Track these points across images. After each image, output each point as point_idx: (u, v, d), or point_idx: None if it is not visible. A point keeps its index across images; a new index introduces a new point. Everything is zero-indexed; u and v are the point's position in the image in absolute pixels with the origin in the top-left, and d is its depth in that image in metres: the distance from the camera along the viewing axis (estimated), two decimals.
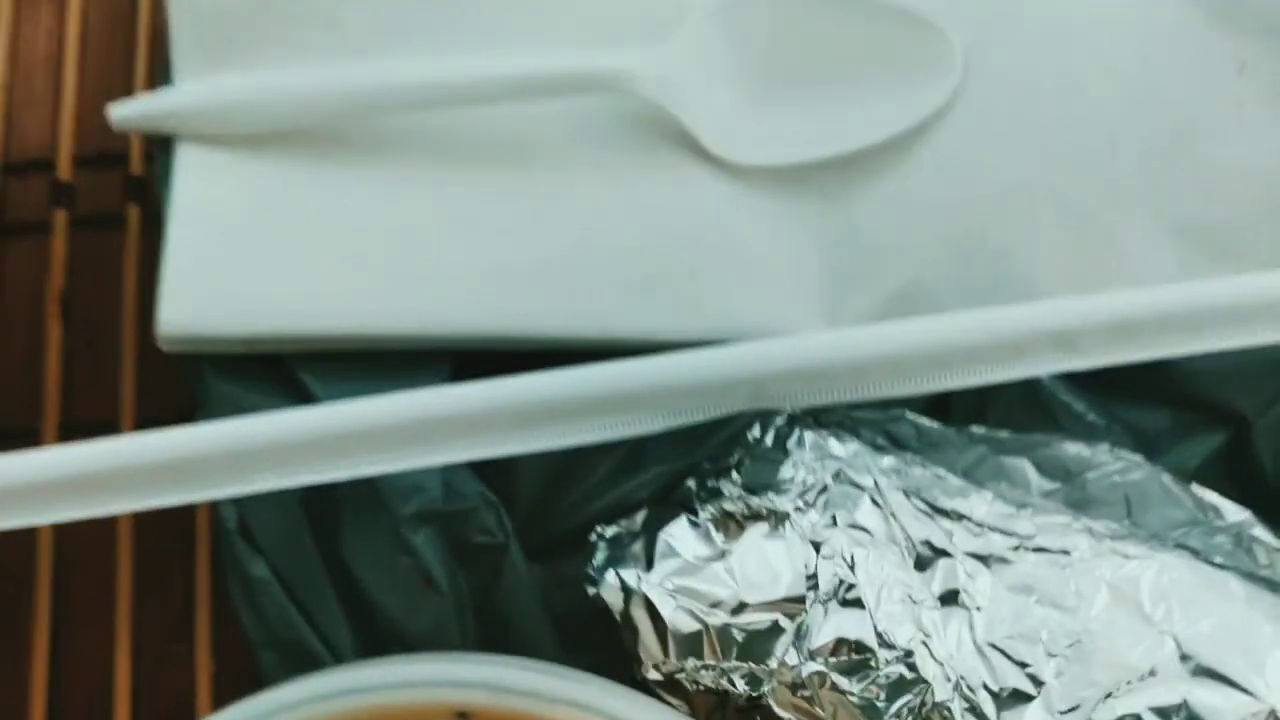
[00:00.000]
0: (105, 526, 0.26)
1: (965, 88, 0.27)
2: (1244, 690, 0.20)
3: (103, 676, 0.25)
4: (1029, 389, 0.24)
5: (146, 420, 0.27)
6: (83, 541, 0.26)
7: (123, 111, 0.26)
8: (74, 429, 0.27)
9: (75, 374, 0.27)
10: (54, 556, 0.26)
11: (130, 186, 0.29)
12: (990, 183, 0.26)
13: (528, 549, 0.24)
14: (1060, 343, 0.24)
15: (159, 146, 0.26)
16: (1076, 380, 0.25)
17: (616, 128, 0.26)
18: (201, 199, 0.25)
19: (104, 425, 0.27)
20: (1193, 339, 0.24)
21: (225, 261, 0.24)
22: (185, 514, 0.26)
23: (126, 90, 0.29)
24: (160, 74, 0.27)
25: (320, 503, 0.23)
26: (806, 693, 0.21)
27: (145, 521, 0.26)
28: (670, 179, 0.26)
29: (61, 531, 0.26)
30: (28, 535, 0.26)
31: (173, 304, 0.24)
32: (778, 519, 0.22)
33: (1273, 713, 0.20)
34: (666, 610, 0.21)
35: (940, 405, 0.25)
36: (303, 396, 0.24)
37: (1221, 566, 0.22)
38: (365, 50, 0.26)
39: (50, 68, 0.30)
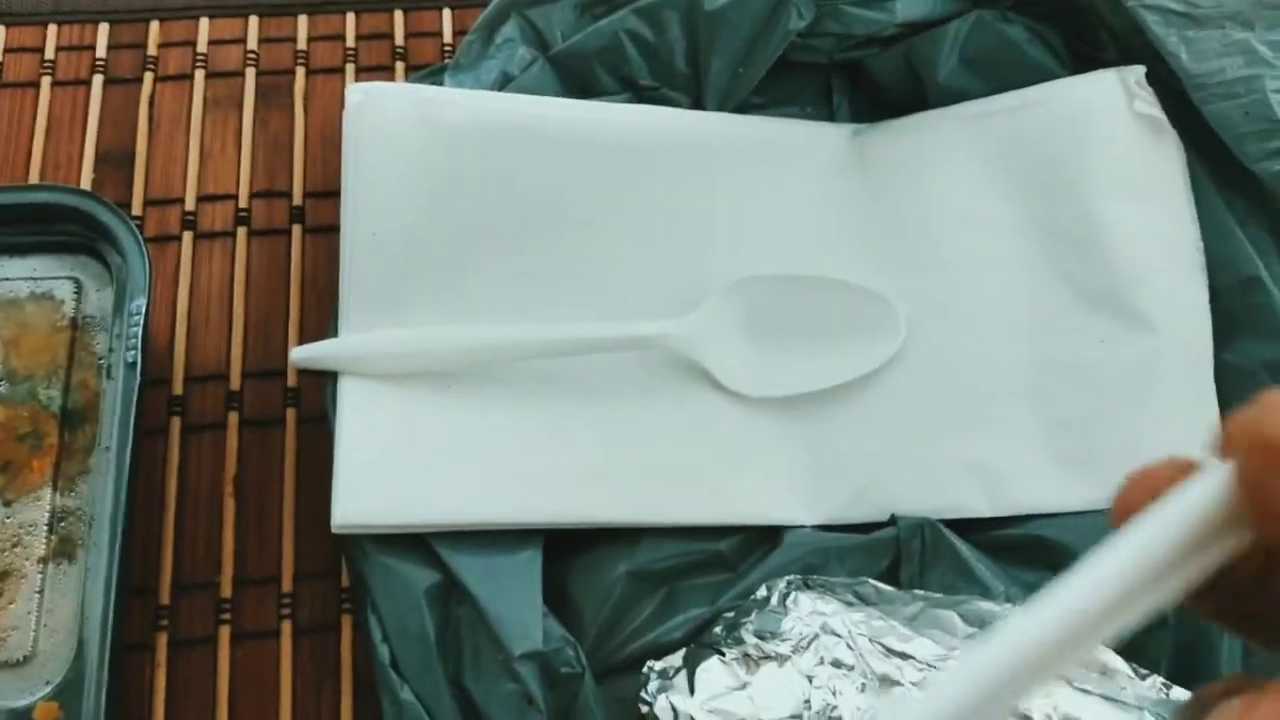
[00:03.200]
0: (270, 658, 0.35)
1: (907, 344, 0.37)
2: None
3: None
4: (956, 558, 0.34)
5: (301, 575, 0.35)
6: (251, 672, 0.35)
7: (300, 355, 0.35)
8: (244, 582, 0.35)
9: (246, 540, 0.36)
10: (230, 683, 0.34)
11: (287, 395, 0.38)
12: (925, 409, 0.37)
13: (592, 671, 0.33)
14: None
15: (329, 377, 0.35)
16: (984, 548, 0.35)
17: (659, 371, 0.36)
18: (360, 423, 0.34)
19: (268, 579, 0.35)
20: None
21: (380, 470, 0.33)
22: (332, 650, 0.35)
23: (282, 319, 0.39)
24: (315, 309, 0.37)
25: (448, 643, 0.32)
26: None
27: (300, 658, 0.35)
28: (697, 406, 0.36)
29: (235, 663, 0.35)
30: (210, 664, 0.34)
31: (343, 503, 0.33)
32: (782, 659, 0.31)
33: None
34: None
35: (893, 572, 0.34)
36: (436, 562, 0.33)
37: (1091, 693, 0.31)
38: (482, 315, 0.35)
39: (222, 301, 0.39)
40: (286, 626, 0.35)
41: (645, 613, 0.34)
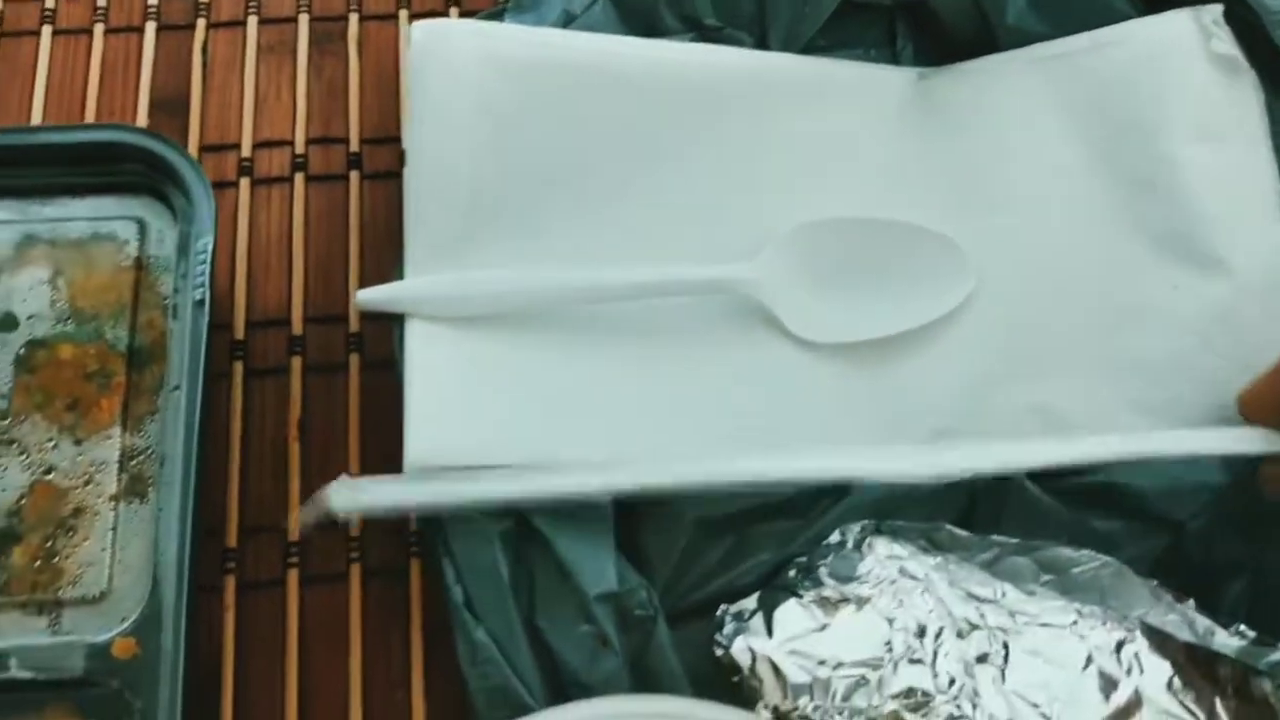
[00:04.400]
0: (339, 602, 0.34)
1: (977, 290, 0.37)
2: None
3: (340, 706, 0.33)
4: (1030, 506, 0.34)
5: (369, 519, 0.35)
6: (320, 615, 0.34)
7: (366, 297, 0.34)
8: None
9: (312, 483, 0.36)
10: (300, 626, 0.34)
11: (350, 340, 0.38)
12: (996, 356, 0.36)
13: (666, 618, 0.33)
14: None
15: (395, 321, 0.35)
16: (1057, 495, 0.34)
17: (726, 316, 0.36)
18: (429, 362, 0.33)
19: (335, 522, 0.35)
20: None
21: (450, 409, 0.33)
22: (401, 593, 0.35)
23: (342, 264, 0.39)
24: (374, 254, 0.37)
25: (524, 583, 0.32)
26: None
27: (369, 601, 0.35)
28: (765, 352, 0.36)
29: (304, 606, 0.34)
30: (279, 607, 0.34)
31: (415, 441, 0.32)
32: (860, 602, 0.31)
33: None
34: (786, 666, 0.30)
35: (966, 520, 0.34)
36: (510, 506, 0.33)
37: (1175, 640, 0.31)
38: (548, 257, 0.35)
39: (282, 247, 0.39)
40: (355, 570, 0.35)
41: (714, 559, 0.34)
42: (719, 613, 0.32)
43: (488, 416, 0.33)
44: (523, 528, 0.32)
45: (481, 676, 0.31)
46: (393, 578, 0.35)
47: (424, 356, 0.34)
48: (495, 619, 0.32)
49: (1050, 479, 0.35)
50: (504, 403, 0.33)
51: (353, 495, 0.31)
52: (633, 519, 0.34)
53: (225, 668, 0.33)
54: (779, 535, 0.34)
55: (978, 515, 0.34)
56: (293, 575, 0.35)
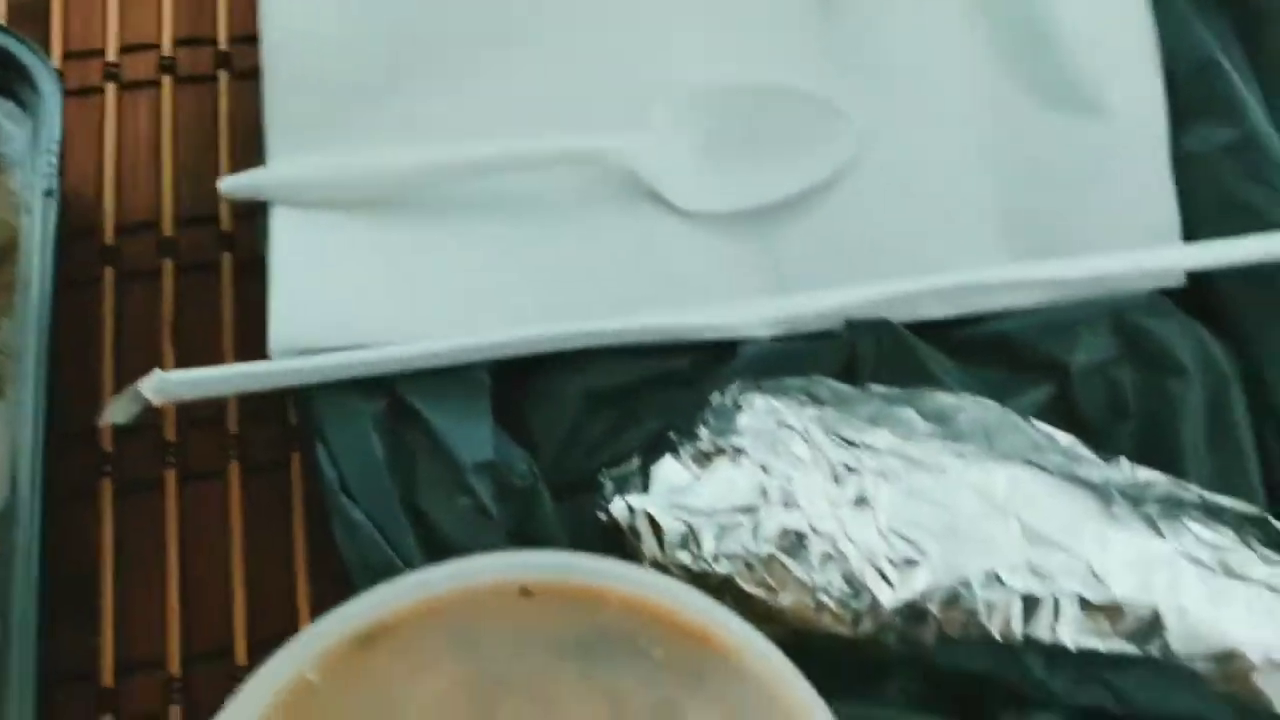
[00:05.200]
0: (219, 500, 0.34)
1: (862, 152, 0.36)
2: (1066, 550, 0.29)
3: (223, 599, 0.33)
4: (913, 359, 0.34)
5: (247, 415, 0.34)
6: (201, 514, 0.34)
7: (229, 184, 0.34)
8: (189, 424, 0.34)
9: None
10: (180, 526, 0.33)
11: (222, 240, 0.37)
12: (882, 216, 0.36)
13: (551, 491, 0.32)
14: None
15: (250, 204, 0.34)
16: (944, 350, 0.34)
17: (605, 187, 0.35)
18: (294, 246, 0.33)
19: (214, 419, 0.34)
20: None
21: (316, 291, 0.32)
22: (283, 488, 0.34)
23: (213, 165, 0.37)
24: (246, 153, 0.36)
25: (400, 461, 0.31)
26: (763, 570, 0.29)
27: (249, 497, 0.34)
28: (646, 223, 0.35)
29: (184, 506, 0.34)
30: (158, 508, 0.34)
31: (279, 325, 0.32)
32: (736, 453, 0.30)
33: (1087, 564, 0.29)
34: (663, 519, 0.29)
35: (849, 377, 0.34)
36: (383, 388, 0.32)
37: (1053, 473, 0.31)
38: (418, 134, 0.34)
39: (151, 151, 0.38)
40: (234, 467, 0.34)
41: (601, 431, 0.34)
42: (599, 476, 0.31)
43: (356, 297, 0.33)
44: (397, 406, 0.32)
45: (361, 557, 0.31)
46: (274, 473, 0.34)
47: (288, 240, 0.33)
48: (372, 499, 0.31)
49: (936, 333, 0.35)
50: (373, 283, 0.33)
51: (170, 383, 0.31)
52: (516, 394, 0.33)
53: (104, 571, 0.33)
54: (666, 404, 0.34)
55: (861, 372, 0.34)
56: (170, 476, 0.34)
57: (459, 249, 0.34)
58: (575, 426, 0.33)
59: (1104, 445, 0.33)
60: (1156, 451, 0.34)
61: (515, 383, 0.34)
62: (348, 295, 0.32)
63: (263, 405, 0.34)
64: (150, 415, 0.34)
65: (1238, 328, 0.35)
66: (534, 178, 0.34)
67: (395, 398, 0.32)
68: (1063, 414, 0.34)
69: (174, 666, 0.32)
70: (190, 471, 0.34)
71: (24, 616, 0.28)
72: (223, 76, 0.39)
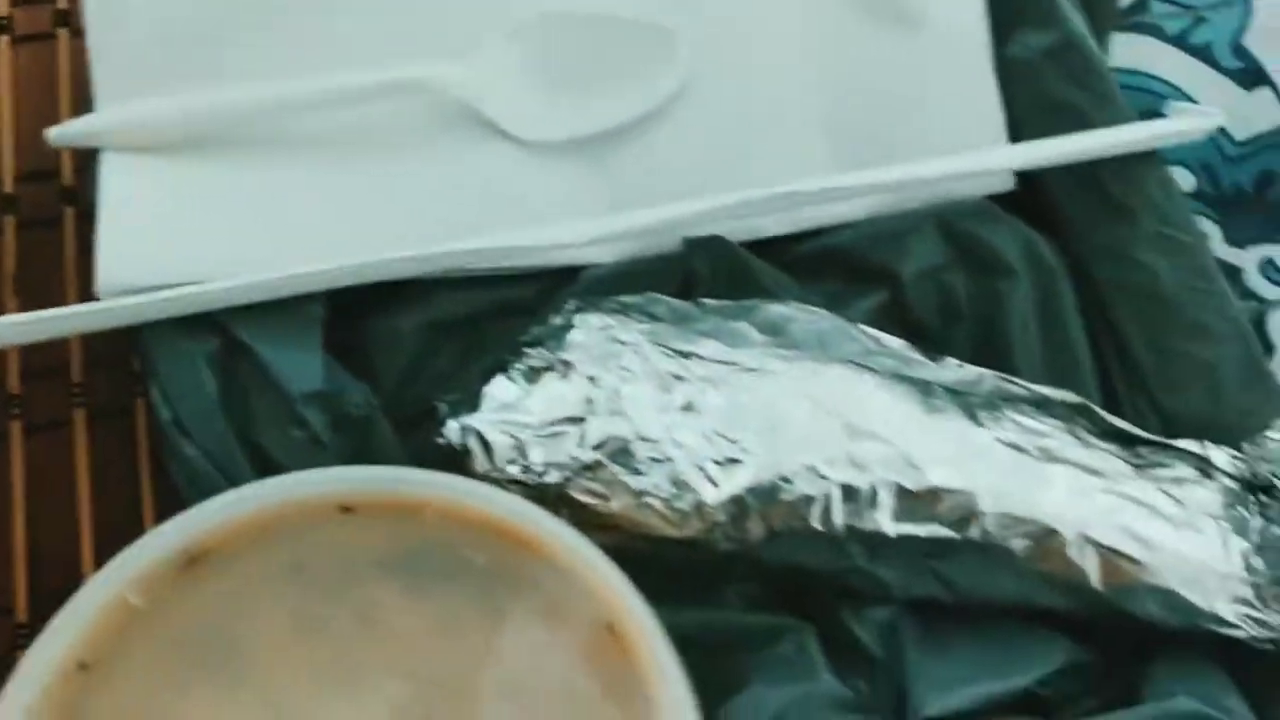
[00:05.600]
0: (65, 448, 0.34)
1: (695, 77, 0.36)
2: (885, 442, 0.30)
3: (72, 544, 0.33)
4: (749, 275, 0.34)
5: (93, 363, 0.35)
6: (47, 463, 0.34)
7: (58, 132, 0.34)
8: (33, 376, 0.35)
9: None
10: (26, 477, 0.34)
11: (63, 194, 0.37)
12: (715, 139, 0.36)
13: (393, 424, 0.33)
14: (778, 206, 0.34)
15: (89, 156, 0.34)
16: (779, 266, 0.35)
17: (438, 118, 0.35)
18: (123, 187, 0.33)
19: (57, 369, 0.35)
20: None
21: (145, 231, 0.32)
22: (128, 434, 0.34)
23: (53, 118, 0.37)
24: (85, 109, 0.36)
25: (233, 394, 0.32)
26: (591, 477, 0.29)
27: (96, 444, 0.34)
28: (481, 153, 0.35)
29: (30, 457, 0.34)
30: (3, 453, 0.34)
31: (106, 265, 0.32)
32: (566, 367, 0.31)
33: (905, 455, 0.30)
34: (492, 435, 0.30)
35: (686, 296, 0.34)
36: (216, 327, 0.32)
37: (878, 374, 0.31)
38: (246, 74, 0.34)
39: None
40: (80, 415, 0.34)
41: (445, 363, 0.34)
42: (436, 403, 0.32)
43: (188, 236, 0.33)
44: (229, 342, 0.32)
45: (199, 493, 0.30)
46: (119, 419, 0.34)
47: (116, 182, 0.33)
48: (207, 435, 0.31)
49: (771, 250, 0.35)
50: (206, 222, 0.33)
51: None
52: (358, 330, 0.34)
53: None
54: (509, 334, 0.34)
55: (698, 290, 0.34)
56: (15, 427, 0.34)
57: (292, 185, 0.34)
58: (416, 359, 0.34)
59: (940, 349, 0.34)
60: (990, 352, 0.35)
61: (356, 318, 0.34)
62: (179, 235, 0.33)
63: (105, 352, 0.35)
64: None
65: (1065, 227, 0.36)
66: (367, 111, 0.34)
67: (227, 335, 0.32)
68: (898, 320, 0.35)
69: (22, 613, 0.32)
70: (35, 422, 0.34)
71: None
72: (62, 35, 0.39)
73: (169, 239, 0.32)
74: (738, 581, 0.31)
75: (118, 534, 0.32)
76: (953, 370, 0.33)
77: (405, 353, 0.34)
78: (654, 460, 0.29)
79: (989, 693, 0.29)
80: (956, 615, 0.30)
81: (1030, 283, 0.35)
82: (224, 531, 0.27)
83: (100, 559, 0.32)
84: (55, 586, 0.32)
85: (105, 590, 0.26)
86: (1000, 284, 0.35)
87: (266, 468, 0.31)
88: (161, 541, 0.27)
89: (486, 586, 0.27)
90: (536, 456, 0.30)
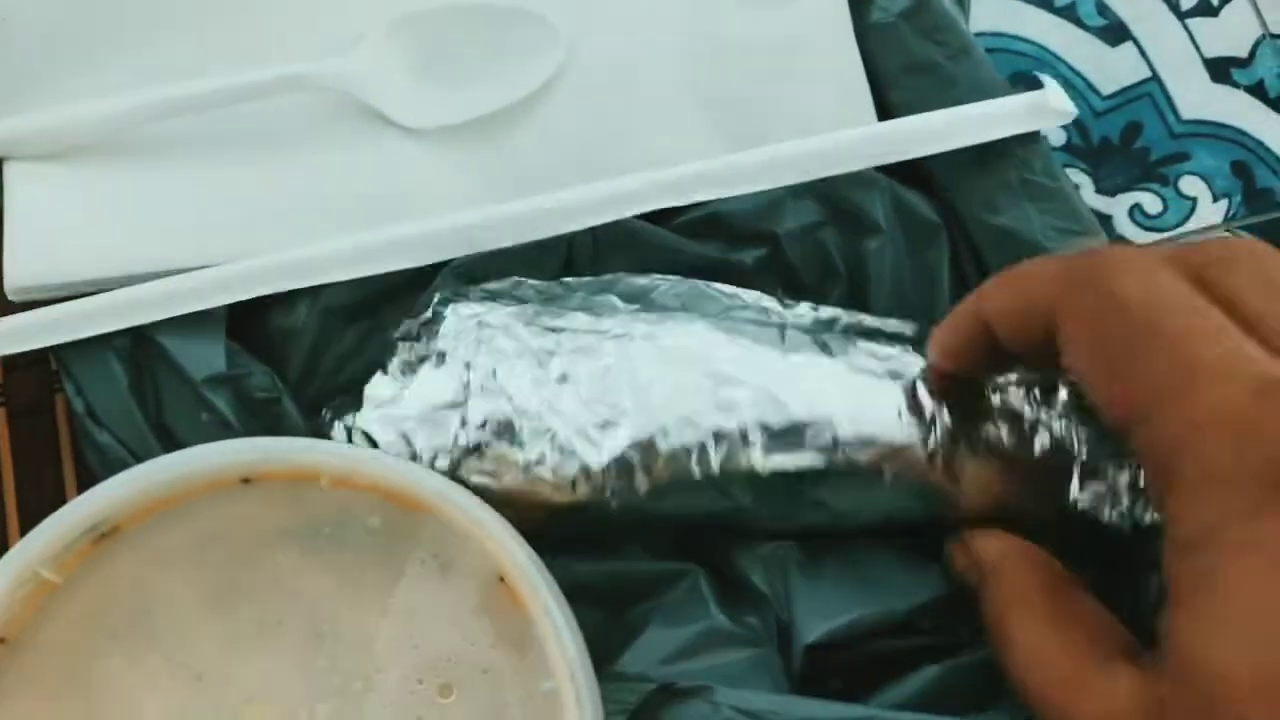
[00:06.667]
0: None
1: (575, 59, 0.38)
2: (748, 384, 0.32)
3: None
4: (630, 242, 0.36)
5: (11, 364, 0.36)
6: None
7: None
8: None
9: None
10: None
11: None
12: (599, 119, 0.38)
13: (300, 407, 0.34)
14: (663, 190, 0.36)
15: None
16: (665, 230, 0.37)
17: (328, 113, 0.37)
18: (25, 195, 0.34)
19: None
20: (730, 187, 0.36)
21: (49, 234, 0.34)
22: (49, 430, 0.36)
23: None
24: None
25: (143, 384, 0.33)
26: (478, 458, 0.31)
27: (17, 442, 0.36)
28: (369, 143, 0.37)
29: None
30: None
31: (12, 268, 0.34)
32: (439, 356, 0.32)
33: (768, 393, 0.32)
34: (376, 430, 0.31)
35: (569, 271, 0.36)
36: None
37: (739, 324, 0.33)
38: (130, 81, 0.35)
39: None
40: (0, 415, 0.36)
41: (349, 344, 0.36)
42: (322, 413, 0.33)
43: (89, 237, 0.34)
44: (135, 333, 0.34)
45: (109, 476, 0.32)
46: (39, 416, 0.36)
47: (21, 189, 0.34)
48: (121, 424, 0.33)
49: (655, 222, 0.37)
50: (106, 223, 0.34)
51: None
52: (258, 319, 0.35)
53: None
54: (407, 311, 0.36)
55: (580, 262, 0.36)
56: None
57: (186, 184, 0.35)
58: (317, 344, 0.35)
59: (818, 300, 0.36)
60: (860, 303, 0.37)
61: (255, 308, 0.35)
62: (81, 235, 0.34)
63: (21, 356, 0.36)
64: None
65: (938, 184, 0.38)
66: (258, 110, 0.36)
67: (135, 330, 0.33)
68: (777, 275, 0.37)
69: None
70: None
71: None
72: None
73: (71, 239, 0.34)
74: (637, 538, 0.33)
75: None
76: (807, 312, 0.35)
77: (305, 340, 0.35)
78: (536, 432, 0.31)
79: (866, 618, 0.31)
80: (839, 550, 0.32)
81: (901, 238, 0.37)
82: (131, 505, 0.29)
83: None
84: None
85: (18, 565, 0.28)
86: (869, 241, 0.37)
87: (178, 450, 0.33)
88: (71, 517, 0.28)
89: (383, 546, 0.29)
90: (422, 444, 0.31)
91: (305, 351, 0.35)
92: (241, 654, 0.28)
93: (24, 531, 0.34)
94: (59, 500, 0.35)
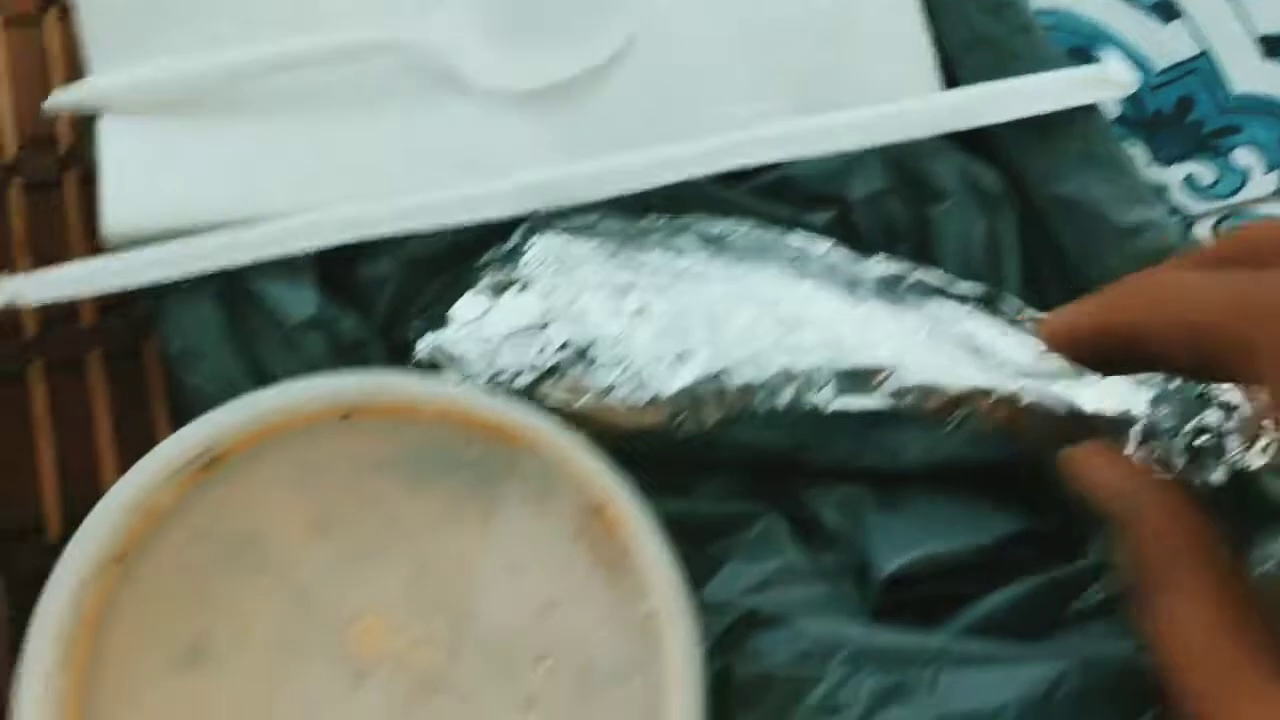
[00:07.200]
0: (82, 388, 0.37)
1: (643, 25, 0.39)
2: (819, 328, 0.33)
3: (94, 474, 0.36)
4: (701, 200, 0.37)
5: (104, 307, 0.37)
6: (66, 403, 0.36)
7: (53, 101, 0.36)
8: (49, 322, 0.37)
9: None
10: (50, 415, 0.36)
11: (62, 161, 0.39)
12: (671, 86, 0.39)
13: (388, 351, 0.35)
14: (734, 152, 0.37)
15: (86, 123, 0.36)
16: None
17: (408, 73, 0.38)
18: (122, 145, 0.35)
19: (67, 317, 0.37)
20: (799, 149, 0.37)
21: (146, 180, 0.35)
22: (139, 373, 0.37)
23: (46, 86, 0.39)
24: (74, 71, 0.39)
25: (236, 327, 0.34)
26: (557, 380, 0.32)
27: (112, 384, 0.37)
28: (447, 103, 0.38)
29: (51, 396, 0.36)
30: (24, 399, 0.36)
31: (111, 212, 0.35)
32: (524, 283, 0.34)
33: (838, 337, 0.33)
34: (460, 348, 0.33)
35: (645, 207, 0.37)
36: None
37: (812, 272, 0.34)
38: (228, 37, 0.37)
39: None
40: (94, 357, 0.37)
41: (426, 299, 0.37)
42: (410, 326, 0.34)
43: (186, 186, 0.35)
44: (230, 280, 0.35)
45: None
46: (130, 360, 0.37)
47: (116, 141, 0.35)
48: (214, 367, 0.34)
49: (727, 185, 0.38)
50: (201, 172, 0.36)
51: (21, 286, 0.34)
52: (344, 266, 0.36)
53: None
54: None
55: (654, 203, 0.37)
56: (35, 369, 0.37)
57: (275, 139, 0.36)
58: (400, 294, 0.36)
59: None
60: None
61: (341, 261, 0.36)
62: (174, 185, 0.35)
63: (114, 299, 0.37)
64: (10, 315, 0.37)
65: (1002, 154, 0.39)
66: (345, 69, 0.37)
67: (228, 273, 0.35)
68: (845, 239, 0.37)
69: (54, 535, 0.35)
70: (53, 364, 0.37)
71: None
72: (52, 12, 0.41)
73: (167, 188, 0.35)
74: (704, 472, 0.34)
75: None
76: (879, 265, 0.36)
77: (389, 290, 0.36)
78: (612, 359, 0.32)
79: (941, 553, 0.32)
80: (909, 490, 0.33)
81: (969, 206, 0.38)
82: (237, 435, 0.30)
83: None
84: (82, 514, 0.35)
85: (133, 489, 0.29)
86: (935, 207, 0.38)
87: None
88: (181, 444, 0.29)
89: (481, 478, 0.30)
90: (504, 363, 0.32)
91: (388, 301, 0.36)
92: (346, 577, 0.29)
93: (120, 473, 0.35)
94: (149, 443, 0.36)
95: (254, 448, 0.30)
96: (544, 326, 0.33)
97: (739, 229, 0.36)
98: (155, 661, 0.28)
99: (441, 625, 0.29)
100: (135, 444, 0.35)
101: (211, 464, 0.30)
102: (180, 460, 0.29)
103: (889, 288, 0.35)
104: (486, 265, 0.34)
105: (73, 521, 0.34)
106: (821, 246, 0.36)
